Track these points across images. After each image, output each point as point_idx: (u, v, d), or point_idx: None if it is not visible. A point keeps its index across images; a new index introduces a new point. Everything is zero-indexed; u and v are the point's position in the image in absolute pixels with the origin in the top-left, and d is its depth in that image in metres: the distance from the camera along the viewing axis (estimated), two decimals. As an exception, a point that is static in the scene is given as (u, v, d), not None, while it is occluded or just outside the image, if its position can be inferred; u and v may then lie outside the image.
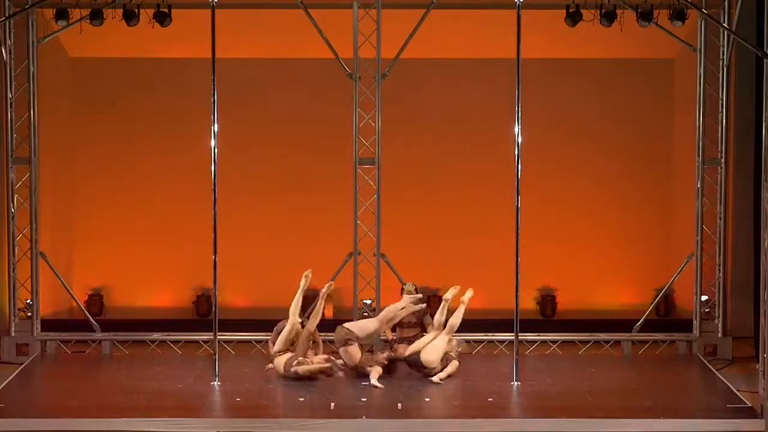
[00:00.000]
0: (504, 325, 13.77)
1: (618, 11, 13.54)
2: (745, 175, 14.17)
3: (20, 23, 13.73)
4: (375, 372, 12.31)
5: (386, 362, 12.55)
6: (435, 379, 12.37)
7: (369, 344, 12.95)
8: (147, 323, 14.48)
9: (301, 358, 12.37)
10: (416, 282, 14.86)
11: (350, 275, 13.79)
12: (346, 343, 12.35)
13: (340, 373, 12.20)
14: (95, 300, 15.35)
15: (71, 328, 14.24)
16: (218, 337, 12.46)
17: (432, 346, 12.59)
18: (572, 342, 14.09)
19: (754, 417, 11.05)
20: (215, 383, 12.10)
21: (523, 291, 12.43)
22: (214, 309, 12.45)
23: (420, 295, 13.04)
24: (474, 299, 15.60)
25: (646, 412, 11.17)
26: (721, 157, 13.96)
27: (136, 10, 13.53)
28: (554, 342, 14.04)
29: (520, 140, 12.14)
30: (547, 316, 15.47)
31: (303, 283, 12.78)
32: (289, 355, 12.46)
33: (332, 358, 12.44)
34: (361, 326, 12.62)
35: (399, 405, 11.41)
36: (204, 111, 12.42)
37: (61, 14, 13.53)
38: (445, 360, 12.59)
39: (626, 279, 15.55)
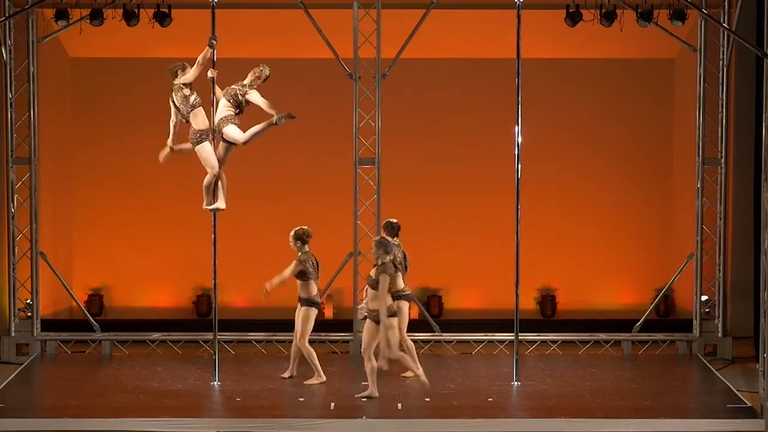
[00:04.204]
0: (504, 325, 13.78)
1: (618, 11, 13.55)
2: (745, 175, 14.17)
3: (20, 23, 13.74)
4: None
5: None
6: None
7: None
8: (147, 323, 14.49)
9: None
10: (417, 282, 14.91)
11: (350, 275, 13.79)
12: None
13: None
14: (95, 300, 15.37)
15: (71, 328, 14.26)
16: (218, 337, 12.46)
17: None
18: (572, 342, 14.09)
19: (754, 417, 11.05)
20: (215, 383, 12.10)
21: (523, 291, 12.42)
22: (213, 309, 12.45)
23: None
24: (474, 299, 15.68)
25: (646, 412, 11.17)
26: (721, 157, 13.96)
27: (136, 10, 13.54)
28: (554, 342, 14.04)
29: (520, 140, 12.14)
30: (547, 316, 15.49)
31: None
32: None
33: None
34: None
35: (399, 405, 11.41)
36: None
37: (61, 14, 13.54)
38: None
39: (626, 279, 15.56)
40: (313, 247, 14.72)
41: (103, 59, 15.14)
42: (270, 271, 12.83)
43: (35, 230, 13.99)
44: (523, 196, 12.15)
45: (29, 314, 14.03)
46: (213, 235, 12.23)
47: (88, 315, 14.32)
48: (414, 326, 14.42)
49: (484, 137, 15.17)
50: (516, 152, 12.13)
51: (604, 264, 15.56)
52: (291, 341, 12.49)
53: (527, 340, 13.92)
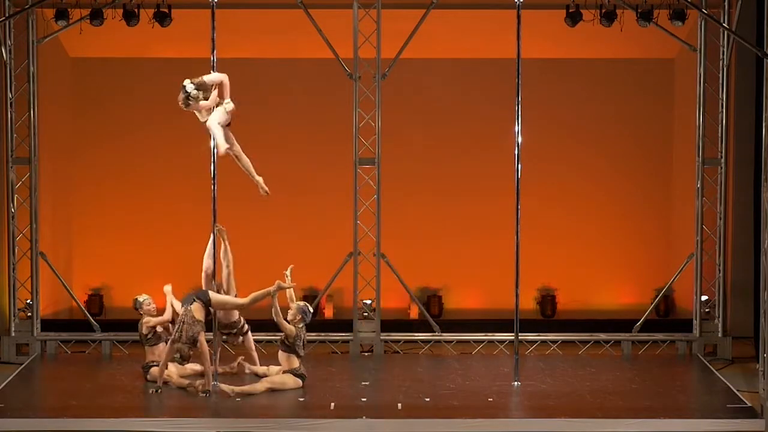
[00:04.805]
0: (504, 325, 13.78)
1: (618, 11, 13.55)
2: (745, 175, 14.17)
3: (20, 23, 13.73)
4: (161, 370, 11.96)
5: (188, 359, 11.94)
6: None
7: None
8: (147, 323, 14.48)
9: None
10: (416, 282, 14.91)
11: (350, 275, 13.80)
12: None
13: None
14: (95, 300, 15.37)
15: (71, 328, 14.25)
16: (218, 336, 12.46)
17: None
18: (572, 342, 14.09)
19: (754, 417, 11.05)
20: (215, 383, 12.07)
21: (523, 291, 12.41)
22: (213, 310, 12.44)
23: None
24: (474, 299, 15.67)
25: (646, 412, 11.17)
26: (721, 157, 13.96)
27: (136, 10, 13.55)
28: (554, 342, 14.04)
29: (520, 140, 12.14)
30: (547, 316, 15.48)
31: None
32: None
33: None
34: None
35: (399, 405, 11.41)
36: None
37: (61, 14, 13.54)
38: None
39: (626, 279, 15.56)
40: (313, 247, 14.78)
41: (103, 59, 15.14)
42: (269, 270, 12.85)
43: (35, 230, 13.99)
44: (523, 196, 12.15)
45: (29, 314, 14.02)
46: (213, 235, 12.24)
47: (88, 315, 14.32)
48: (414, 326, 14.48)
49: (484, 137, 15.17)
50: (516, 152, 12.12)
51: (604, 264, 15.55)
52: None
53: (527, 340, 13.91)
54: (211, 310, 12.20)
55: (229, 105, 11.64)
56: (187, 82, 11.62)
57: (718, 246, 14.01)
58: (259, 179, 12.13)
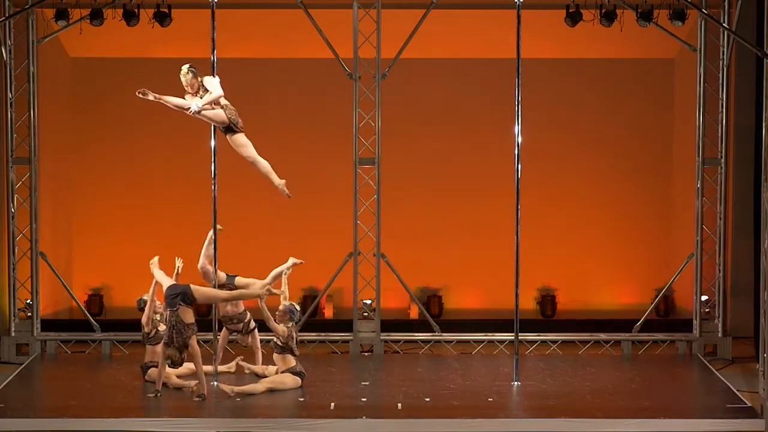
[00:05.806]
0: (504, 325, 13.78)
1: (618, 11, 13.55)
2: (745, 175, 14.17)
3: (20, 23, 13.74)
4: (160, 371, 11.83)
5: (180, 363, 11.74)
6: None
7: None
8: (147, 323, 14.47)
9: None
10: (416, 282, 14.91)
11: (350, 275, 13.80)
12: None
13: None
14: (95, 300, 15.37)
15: (71, 328, 14.25)
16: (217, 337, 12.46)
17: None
18: (572, 342, 14.09)
19: (754, 417, 11.05)
20: (215, 383, 12.08)
21: (523, 291, 12.42)
22: (213, 309, 12.46)
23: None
24: (474, 299, 15.68)
25: (646, 412, 11.17)
26: (721, 157, 13.96)
27: (136, 10, 13.55)
28: (554, 342, 14.04)
29: (520, 140, 12.14)
30: (547, 316, 15.48)
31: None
32: None
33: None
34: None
35: (399, 405, 11.41)
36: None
37: (61, 14, 13.55)
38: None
39: (626, 279, 15.56)
40: (313, 247, 14.77)
41: (103, 59, 15.14)
42: (269, 270, 12.86)
43: (35, 230, 13.99)
44: (523, 196, 12.15)
45: (29, 314, 14.02)
46: (213, 235, 12.24)
47: (88, 315, 14.32)
48: (414, 326, 14.49)
49: (484, 137, 15.17)
50: (516, 152, 12.13)
51: (604, 264, 15.56)
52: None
53: (527, 340, 13.91)
54: (213, 307, 12.26)
55: (196, 102, 11.57)
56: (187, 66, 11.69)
57: (718, 246, 14.01)
58: (281, 182, 12.05)
